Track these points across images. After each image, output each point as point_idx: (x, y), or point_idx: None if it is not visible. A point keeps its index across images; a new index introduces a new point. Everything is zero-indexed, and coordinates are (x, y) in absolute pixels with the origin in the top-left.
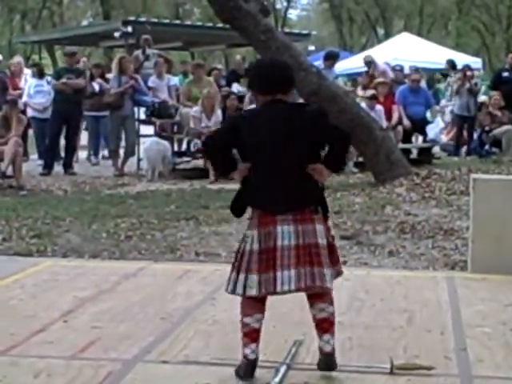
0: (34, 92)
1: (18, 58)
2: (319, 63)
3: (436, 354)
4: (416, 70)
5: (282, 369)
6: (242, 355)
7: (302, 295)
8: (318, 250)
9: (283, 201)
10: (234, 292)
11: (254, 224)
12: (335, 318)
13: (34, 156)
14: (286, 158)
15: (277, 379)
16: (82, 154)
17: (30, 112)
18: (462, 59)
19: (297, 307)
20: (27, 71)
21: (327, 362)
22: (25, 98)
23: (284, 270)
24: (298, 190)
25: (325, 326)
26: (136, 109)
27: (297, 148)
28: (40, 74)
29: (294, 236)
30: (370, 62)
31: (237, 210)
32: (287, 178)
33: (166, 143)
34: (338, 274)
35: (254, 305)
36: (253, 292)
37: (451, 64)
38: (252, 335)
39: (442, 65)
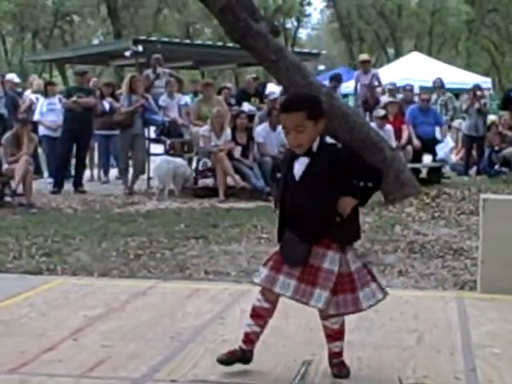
0: (47, 110)
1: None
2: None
3: (445, 375)
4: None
5: None
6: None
7: (312, 315)
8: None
9: None
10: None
11: None
12: (343, 332)
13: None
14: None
15: None
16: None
17: (41, 130)
18: (471, 79)
19: (305, 327)
20: (28, 92)
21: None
22: (37, 117)
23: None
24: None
25: (335, 335)
26: (146, 127)
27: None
28: (53, 92)
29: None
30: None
31: None
32: None
33: (179, 160)
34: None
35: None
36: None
37: (440, 83)
38: (249, 336)
39: (453, 84)
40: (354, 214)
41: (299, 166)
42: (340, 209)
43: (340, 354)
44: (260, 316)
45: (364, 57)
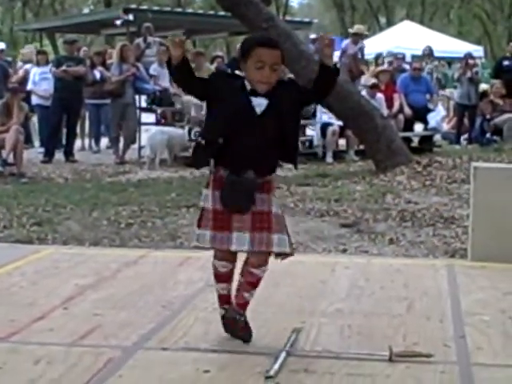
0: (39, 79)
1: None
2: None
3: (435, 342)
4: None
5: (282, 356)
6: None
7: (306, 284)
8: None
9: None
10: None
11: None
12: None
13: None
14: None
15: (276, 366)
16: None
17: (34, 100)
18: (463, 47)
19: (295, 295)
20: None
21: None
22: (30, 86)
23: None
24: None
25: (256, 283)
26: (137, 96)
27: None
28: (45, 61)
29: None
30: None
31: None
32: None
33: (175, 130)
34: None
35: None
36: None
37: (429, 51)
38: (221, 278)
39: (444, 53)
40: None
41: (258, 103)
42: (325, 57)
43: (246, 305)
44: (226, 278)
45: (360, 29)
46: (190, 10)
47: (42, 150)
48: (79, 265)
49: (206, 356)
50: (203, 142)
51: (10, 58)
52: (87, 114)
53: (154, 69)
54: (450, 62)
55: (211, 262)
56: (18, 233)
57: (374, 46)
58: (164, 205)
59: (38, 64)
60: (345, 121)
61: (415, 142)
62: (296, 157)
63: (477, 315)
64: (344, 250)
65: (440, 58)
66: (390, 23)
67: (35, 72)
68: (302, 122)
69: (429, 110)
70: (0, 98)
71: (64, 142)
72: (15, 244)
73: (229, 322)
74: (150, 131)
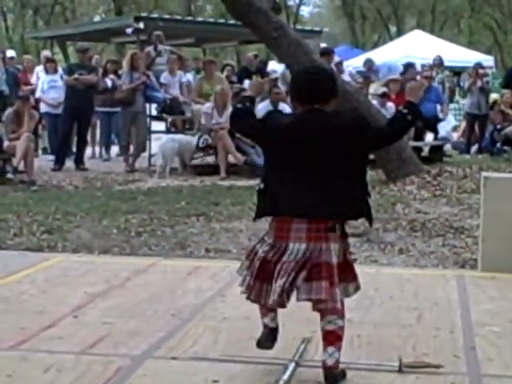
0: (48, 87)
1: (29, 56)
2: None
3: (445, 353)
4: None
5: (291, 366)
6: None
7: None
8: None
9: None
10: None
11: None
12: (343, 333)
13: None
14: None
15: (285, 377)
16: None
17: (43, 108)
18: (474, 57)
19: (306, 305)
20: (39, 68)
21: (327, 376)
22: (38, 94)
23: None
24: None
25: (330, 338)
26: (147, 105)
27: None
28: (54, 69)
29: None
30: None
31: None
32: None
33: (185, 137)
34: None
35: None
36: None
37: (439, 60)
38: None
39: (455, 62)
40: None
41: None
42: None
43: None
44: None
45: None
46: (200, 19)
47: (52, 157)
48: (89, 273)
49: (215, 366)
50: None
51: (20, 66)
52: (98, 122)
53: (164, 77)
54: (459, 72)
55: None
56: (28, 241)
57: (384, 55)
58: (174, 213)
59: (46, 72)
60: None
61: (425, 151)
62: None
63: (487, 326)
64: (354, 260)
65: (450, 68)
66: (401, 32)
67: (44, 80)
68: None
69: (439, 120)
70: (11, 106)
71: (74, 150)
72: (25, 252)
73: None
74: (161, 139)
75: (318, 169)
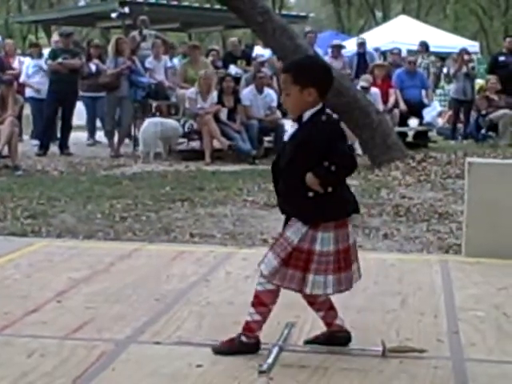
0: (33, 72)
1: (10, 40)
2: None
3: (428, 337)
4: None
5: (275, 350)
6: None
7: None
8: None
9: None
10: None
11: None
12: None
13: (26, 137)
14: None
15: (269, 360)
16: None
17: (27, 92)
18: (459, 43)
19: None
20: (23, 58)
21: (350, 337)
22: (23, 78)
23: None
24: None
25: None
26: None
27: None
28: (39, 54)
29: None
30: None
31: None
32: None
33: (169, 121)
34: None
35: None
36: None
37: (425, 46)
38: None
39: (440, 48)
40: (325, 192)
41: (290, 132)
42: (307, 183)
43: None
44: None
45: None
46: (185, 3)
47: (36, 142)
48: (73, 258)
49: (198, 350)
50: None
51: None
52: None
53: (149, 62)
54: (444, 57)
55: None
56: (12, 225)
57: (371, 40)
58: (158, 198)
59: (31, 56)
60: (340, 115)
61: (410, 137)
62: None
63: (470, 311)
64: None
65: (435, 53)
66: (387, 18)
67: (28, 64)
68: None
69: (424, 106)
70: None
71: (59, 134)
72: (9, 237)
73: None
74: (143, 124)
75: None
